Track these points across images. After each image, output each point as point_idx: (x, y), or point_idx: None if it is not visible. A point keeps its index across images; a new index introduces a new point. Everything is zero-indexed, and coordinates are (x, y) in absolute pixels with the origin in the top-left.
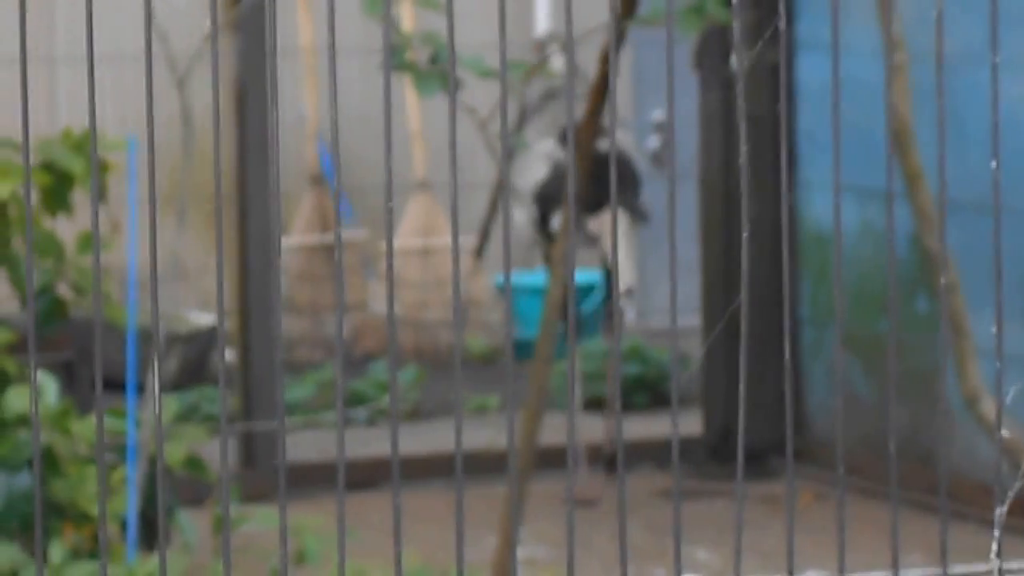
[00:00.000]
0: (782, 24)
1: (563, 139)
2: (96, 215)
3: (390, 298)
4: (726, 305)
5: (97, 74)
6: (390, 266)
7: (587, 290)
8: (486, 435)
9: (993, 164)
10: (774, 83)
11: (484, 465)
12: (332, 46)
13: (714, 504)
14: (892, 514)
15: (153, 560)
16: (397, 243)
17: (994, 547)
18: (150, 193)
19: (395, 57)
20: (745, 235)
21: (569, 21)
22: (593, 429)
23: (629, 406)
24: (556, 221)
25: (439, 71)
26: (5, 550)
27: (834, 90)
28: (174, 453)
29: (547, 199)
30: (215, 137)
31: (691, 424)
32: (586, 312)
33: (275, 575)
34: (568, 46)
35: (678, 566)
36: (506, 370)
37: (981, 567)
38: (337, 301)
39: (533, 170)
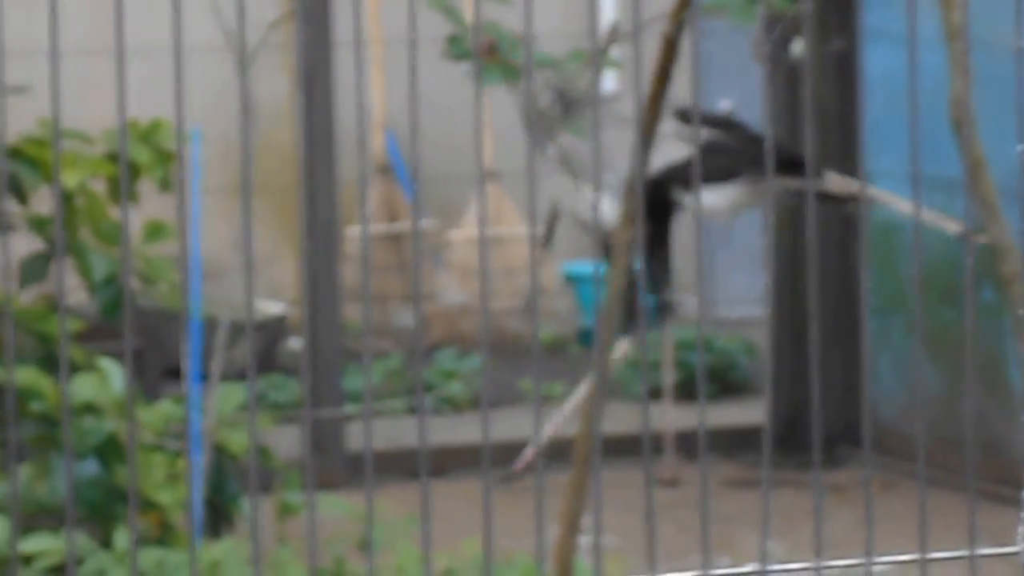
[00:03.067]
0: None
1: (683, 118)
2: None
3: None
4: (792, 296)
5: (162, 65)
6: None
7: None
8: (552, 424)
9: (1020, 148)
10: (839, 72)
11: (548, 453)
12: (411, 41)
13: (780, 493)
14: (969, 503)
15: (218, 547)
16: (464, 233)
17: (1021, 530)
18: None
19: (455, 47)
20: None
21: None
22: (657, 418)
23: (694, 395)
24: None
25: (501, 61)
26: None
27: (911, 80)
28: (240, 441)
29: (671, 181)
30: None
31: (757, 413)
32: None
33: (338, 561)
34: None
35: (706, 558)
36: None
37: (1010, 549)
38: (414, 290)
39: (661, 151)
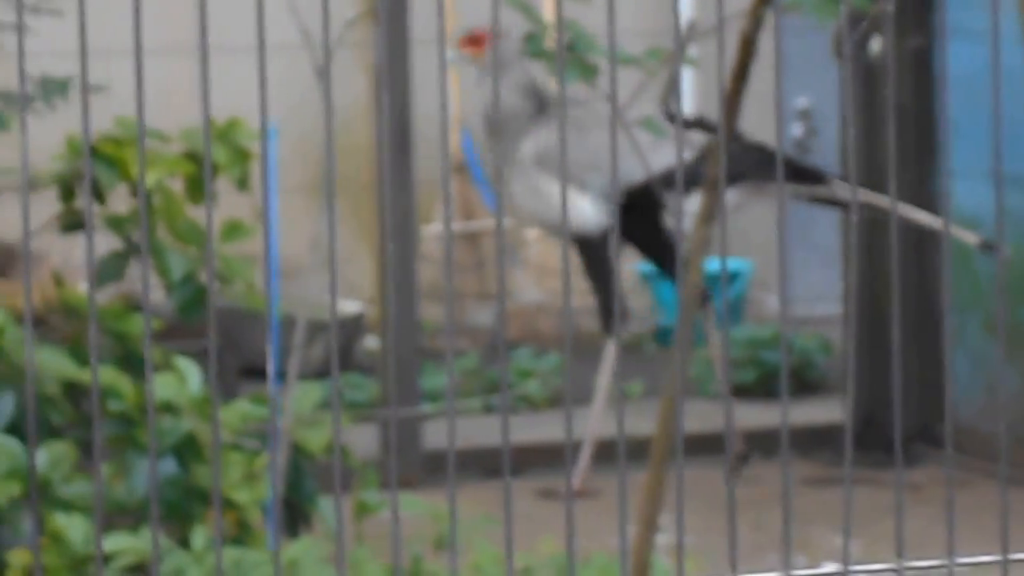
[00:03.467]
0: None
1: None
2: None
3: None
4: (868, 293)
5: (237, 64)
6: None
7: (730, 278)
8: (629, 422)
9: None
10: (917, 70)
11: (627, 452)
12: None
13: (856, 491)
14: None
15: (295, 546)
16: (538, 232)
17: None
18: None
19: (532, 45)
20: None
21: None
22: (729, 415)
23: (772, 393)
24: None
25: (577, 58)
26: (149, 535)
27: (994, 77)
28: (317, 440)
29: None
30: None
31: (834, 411)
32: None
33: (416, 560)
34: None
35: (787, 558)
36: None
37: None
38: (498, 289)
39: (662, 154)
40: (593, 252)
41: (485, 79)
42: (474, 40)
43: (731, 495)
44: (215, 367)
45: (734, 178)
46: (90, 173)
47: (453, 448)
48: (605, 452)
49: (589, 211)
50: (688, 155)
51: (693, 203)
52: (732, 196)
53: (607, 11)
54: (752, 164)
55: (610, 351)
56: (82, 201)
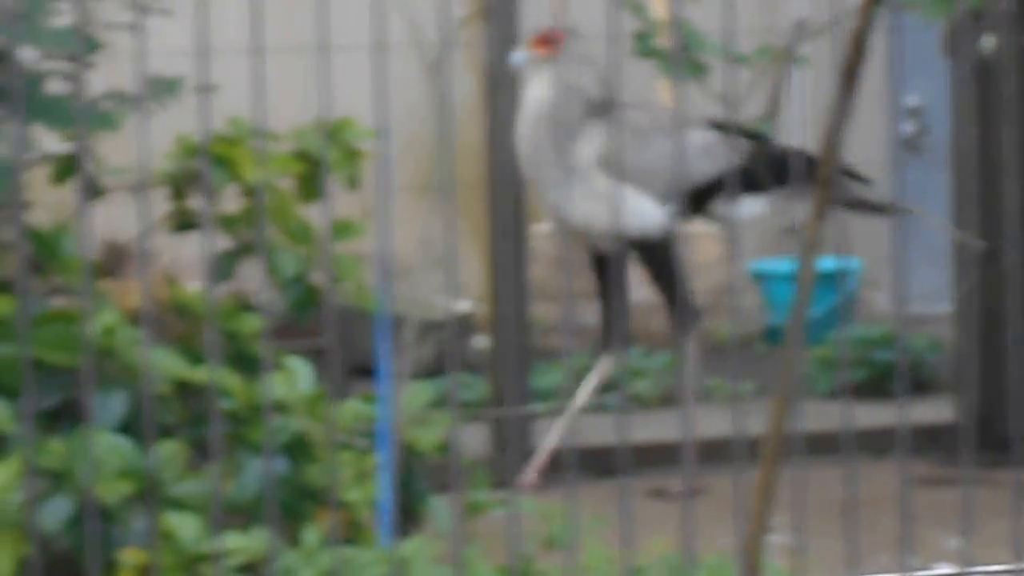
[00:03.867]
0: None
1: (717, 127)
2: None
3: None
4: (980, 291)
5: (345, 63)
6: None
7: (840, 277)
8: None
9: None
10: None
11: (735, 451)
12: (610, 34)
13: (970, 491)
14: None
15: (406, 545)
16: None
17: None
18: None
19: (643, 44)
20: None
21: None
22: (846, 415)
23: (883, 393)
24: (736, 207)
25: (689, 58)
26: (260, 534)
27: None
28: (428, 439)
29: (713, 190)
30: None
31: (945, 410)
32: (836, 300)
33: (526, 560)
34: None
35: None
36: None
37: None
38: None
39: (700, 161)
40: (656, 255)
41: (551, 80)
42: (544, 40)
43: (851, 496)
44: (338, 367)
45: (773, 183)
46: (208, 174)
47: (575, 451)
48: (717, 451)
49: (653, 213)
50: (737, 160)
51: (745, 207)
52: (760, 205)
53: (724, 10)
54: (776, 173)
55: (690, 351)
56: (193, 201)
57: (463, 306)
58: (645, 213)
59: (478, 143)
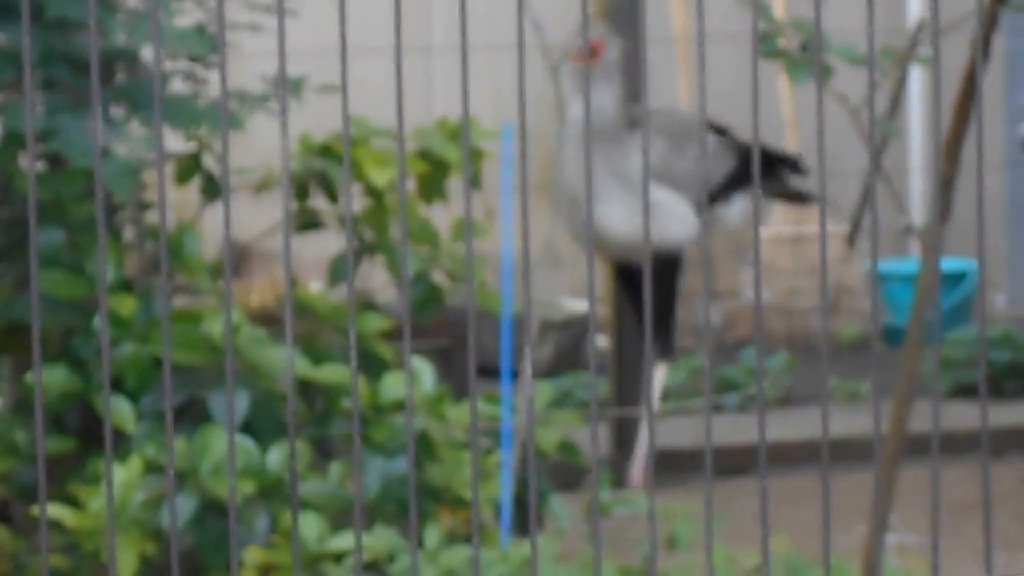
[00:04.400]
0: None
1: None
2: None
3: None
4: None
5: (472, 63)
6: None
7: (958, 278)
8: (858, 422)
9: None
10: None
11: (854, 452)
12: (701, 33)
13: None
14: None
15: (527, 545)
16: (769, 231)
17: None
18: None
19: (767, 44)
20: None
21: (935, 9)
22: (963, 416)
23: (999, 393)
24: (735, 210)
25: (810, 58)
26: (382, 534)
27: None
28: (548, 438)
29: (724, 189)
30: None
31: None
32: (956, 300)
33: (647, 560)
34: (935, 34)
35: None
36: (873, 358)
37: None
38: (706, 289)
39: (717, 162)
40: (679, 266)
41: (590, 90)
42: (585, 51)
43: (987, 496)
44: (472, 366)
45: (743, 183)
46: (348, 171)
47: (709, 449)
48: (836, 451)
49: (692, 222)
50: (732, 163)
51: (736, 209)
52: (743, 204)
53: (867, 10)
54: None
55: (659, 376)
56: (316, 201)
57: (582, 306)
58: (687, 222)
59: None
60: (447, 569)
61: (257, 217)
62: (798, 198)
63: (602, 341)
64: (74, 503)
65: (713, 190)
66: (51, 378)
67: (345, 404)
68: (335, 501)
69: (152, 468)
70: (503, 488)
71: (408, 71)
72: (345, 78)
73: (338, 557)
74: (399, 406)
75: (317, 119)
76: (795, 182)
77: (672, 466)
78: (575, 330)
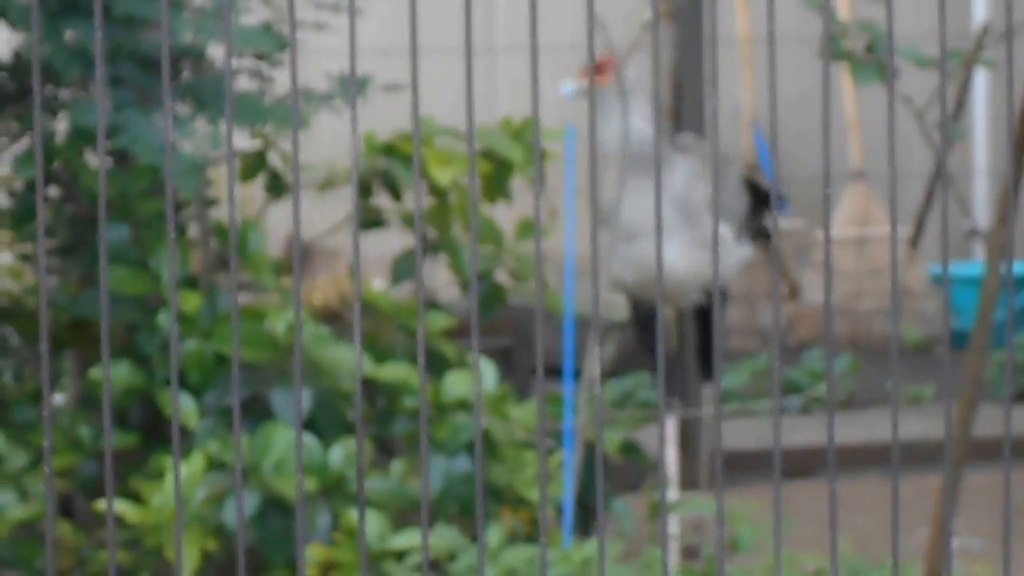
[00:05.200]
0: None
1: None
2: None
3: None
4: None
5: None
6: (828, 254)
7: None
8: (921, 425)
9: None
10: None
11: (919, 455)
12: (771, 34)
13: None
14: None
15: (589, 545)
16: (832, 233)
17: None
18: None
19: (832, 46)
20: None
21: (1010, 9)
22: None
23: None
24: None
25: (876, 60)
26: (444, 532)
27: None
28: (610, 439)
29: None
30: (656, 125)
31: None
32: (1023, 303)
33: (710, 561)
34: (1008, 35)
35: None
36: (944, 359)
37: None
38: (774, 290)
39: (733, 191)
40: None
41: (611, 110)
42: (593, 69)
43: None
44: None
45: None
46: (416, 170)
47: (780, 451)
48: (907, 455)
49: (737, 256)
50: (743, 195)
51: (746, 248)
52: (747, 248)
53: (938, 12)
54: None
55: (670, 426)
56: (379, 199)
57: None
58: (735, 255)
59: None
60: (508, 568)
61: (321, 215)
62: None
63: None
64: (136, 499)
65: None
66: (115, 374)
67: (407, 403)
68: (396, 499)
69: (214, 464)
70: (565, 488)
71: (477, 71)
72: (415, 77)
73: (399, 555)
74: (461, 405)
75: (381, 118)
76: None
77: (734, 468)
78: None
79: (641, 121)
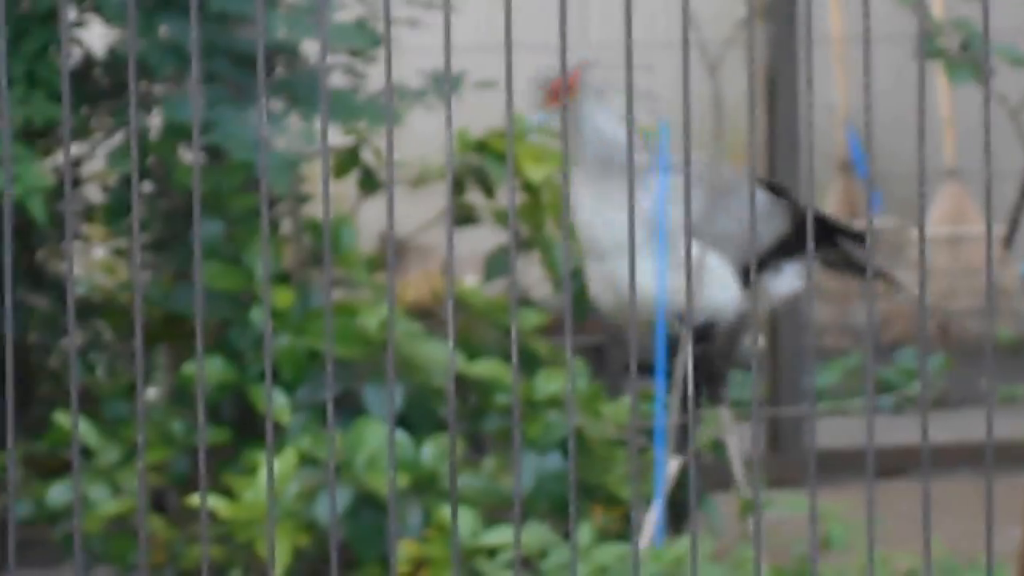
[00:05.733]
0: None
1: (773, 189)
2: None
3: (922, 286)
4: None
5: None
6: (923, 252)
7: None
8: (1013, 425)
9: None
10: None
11: (1011, 455)
12: (867, 31)
13: None
14: None
15: (680, 544)
16: (926, 231)
17: None
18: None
19: (926, 44)
20: None
21: None
22: None
23: None
24: (785, 281)
25: (971, 59)
26: (535, 530)
27: None
28: (701, 437)
29: (773, 255)
30: (749, 123)
31: None
32: None
33: (801, 561)
34: None
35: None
36: None
37: None
38: (868, 289)
39: (767, 224)
40: (718, 342)
41: (583, 122)
42: (555, 90)
43: None
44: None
45: (795, 251)
46: (511, 167)
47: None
48: (999, 455)
49: (734, 290)
50: (784, 227)
51: (787, 280)
52: (795, 274)
53: (982, 9)
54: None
55: (672, 467)
56: (471, 195)
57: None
58: (729, 290)
59: (759, 141)
60: (600, 566)
61: (413, 211)
62: (855, 269)
63: (758, 340)
64: (228, 494)
65: (761, 255)
66: (207, 369)
67: (498, 400)
68: (488, 496)
69: (306, 460)
70: (656, 487)
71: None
72: (510, 74)
73: (491, 552)
74: (553, 402)
75: (474, 115)
76: (857, 254)
77: (827, 467)
78: (730, 329)
79: (610, 128)
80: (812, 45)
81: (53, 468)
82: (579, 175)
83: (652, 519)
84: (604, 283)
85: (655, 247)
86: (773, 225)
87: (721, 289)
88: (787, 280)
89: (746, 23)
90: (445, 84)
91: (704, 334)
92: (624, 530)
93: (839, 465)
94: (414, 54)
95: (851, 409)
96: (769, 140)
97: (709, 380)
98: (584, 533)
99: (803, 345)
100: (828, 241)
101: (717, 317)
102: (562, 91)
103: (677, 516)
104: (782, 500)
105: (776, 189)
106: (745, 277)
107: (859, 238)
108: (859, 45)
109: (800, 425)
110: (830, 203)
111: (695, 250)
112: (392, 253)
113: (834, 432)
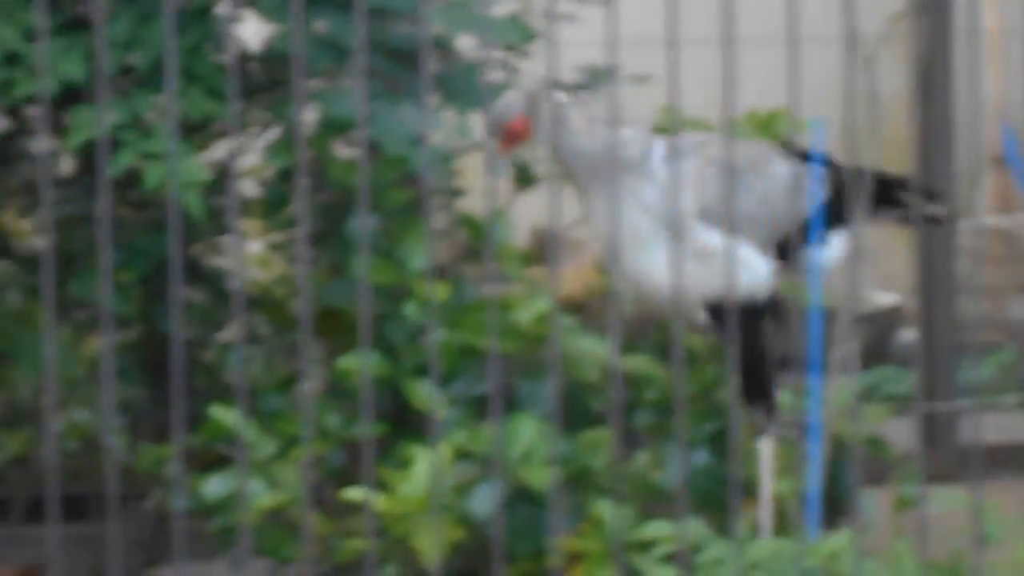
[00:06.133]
0: None
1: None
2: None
3: None
4: None
5: (778, 55)
6: None
7: None
8: None
9: None
10: None
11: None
12: None
13: None
14: None
15: (835, 538)
16: None
17: None
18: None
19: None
20: None
21: None
22: None
23: None
24: (831, 251)
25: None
26: (691, 525)
27: None
28: (857, 432)
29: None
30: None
31: None
32: None
33: (956, 556)
34: None
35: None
36: None
37: None
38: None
39: (793, 201)
40: (755, 322)
41: (562, 127)
42: (508, 136)
43: None
44: (790, 367)
45: (839, 219)
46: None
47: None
48: None
49: (763, 270)
50: (823, 195)
51: (833, 249)
52: (840, 243)
53: None
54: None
55: (767, 449)
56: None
57: (890, 299)
58: (757, 270)
59: (907, 136)
60: (752, 561)
61: (566, 206)
62: (930, 221)
63: (910, 334)
64: (383, 488)
65: (800, 227)
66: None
67: (650, 394)
68: (641, 490)
69: (461, 454)
70: (809, 481)
71: (712, 62)
72: (675, 70)
73: (646, 546)
74: (704, 397)
75: (629, 109)
76: (928, 207)
77: (980, 461)
78: (882, 323)
79: (588, 141)
80: (975, 38)
81: (208, 461)
82: (591, 188)
83: (801, 514)
84: (625, 281)
85: (665, 237)
86: (803, 197)
87: (748, 272)
88: (833, 249)
89: (902, 17)
90: (604, 78)
91: (748, 318)
92: (777, 525)
93: (994, 460)
94: (567, 49)
95: (1004, 404)
96: (923, 134)
97: (755, 384)
98: (737, 527)
99: (957, 340)
100: (888, 198)
101: (751, 300)
102: (512, 139)
103: (832, 511)
104: (937, 495)
105: (802, 155)
106: (781, 252)
107: (920, 188)
108: (1013, 39)
109: (954, 420)
110: (984, 197)
111: (713, 236)
112: (553, 248)
113: (988, 427)
